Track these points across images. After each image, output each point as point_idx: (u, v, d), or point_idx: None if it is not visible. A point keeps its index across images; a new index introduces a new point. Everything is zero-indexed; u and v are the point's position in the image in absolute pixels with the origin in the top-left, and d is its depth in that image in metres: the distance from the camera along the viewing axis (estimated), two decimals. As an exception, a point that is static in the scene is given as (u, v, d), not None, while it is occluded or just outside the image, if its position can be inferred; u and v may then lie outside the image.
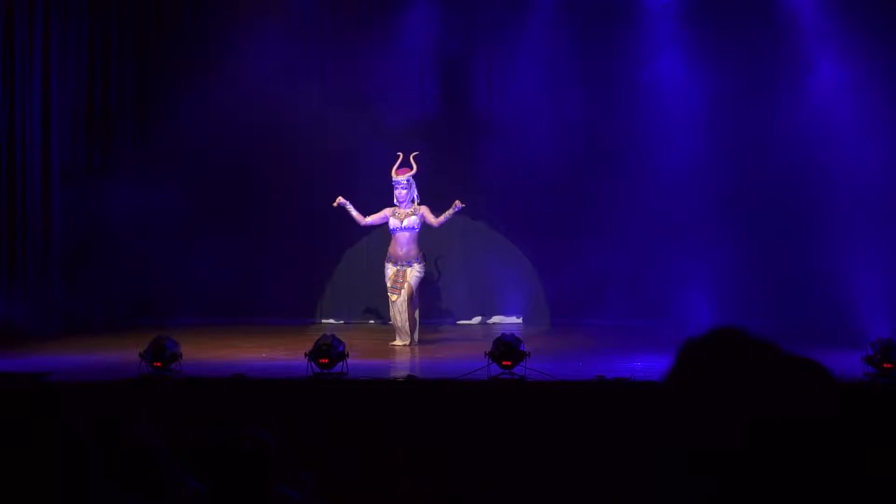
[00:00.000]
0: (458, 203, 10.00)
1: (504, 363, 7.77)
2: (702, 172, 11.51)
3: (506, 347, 7.83)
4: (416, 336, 10.16)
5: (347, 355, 8.05)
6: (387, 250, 10.29)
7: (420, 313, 10.41)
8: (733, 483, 1.28)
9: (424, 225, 10.24)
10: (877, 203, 11.19)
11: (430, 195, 10.37)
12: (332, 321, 12.17)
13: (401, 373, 8.18)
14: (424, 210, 10.15)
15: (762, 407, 1.31)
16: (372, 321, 11.97)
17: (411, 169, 10.19)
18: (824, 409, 1.31)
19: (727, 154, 11.66)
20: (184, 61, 11.96)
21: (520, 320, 12.17)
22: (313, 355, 7.94)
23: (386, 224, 10.27)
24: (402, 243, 10.09)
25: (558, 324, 11.92)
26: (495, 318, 12.25)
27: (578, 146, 12.13)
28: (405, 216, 10.10)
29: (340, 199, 10.19)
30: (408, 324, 10.04)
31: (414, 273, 10.10)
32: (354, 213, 10.20)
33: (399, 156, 10.29)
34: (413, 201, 10.18)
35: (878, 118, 11.20)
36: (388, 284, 10.14)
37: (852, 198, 11.17)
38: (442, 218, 10.12)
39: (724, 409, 1.32)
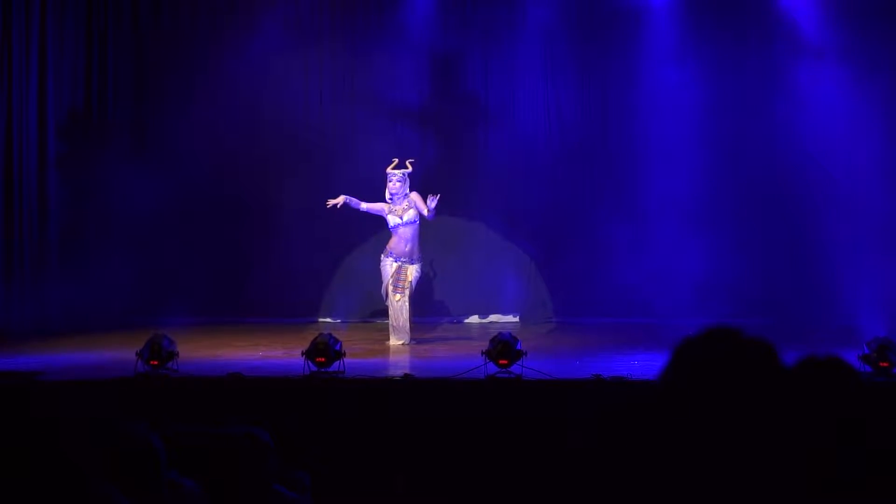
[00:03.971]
0: (432, 198, 9.90)
1: (501, 362, 7.76)
2: (701, 172, 11.51)
3: (503, 346, 7.83)
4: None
5: (344, 354, 8.04)
6: (385, 246, 10.21)
7: (416, 312, 10.38)
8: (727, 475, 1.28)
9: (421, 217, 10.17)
10: (874, 203, 11.21)
11: (427, 191, 10.29)
12: (329, 320, 12.16)
13: (398, 372, 8.18)
14: (416, 197, 10.04)
15: (755, 404, 1.31)
16: (369, 320, 11.96)
17: (407, 169, 10.15)
18: (831, 407, 1.31)
19: (727, 154, 11.68)
20: (181, 58, 11.96)
21: (517, 319, 12.17)
22: (310, 354, 7.93)
23: (384, 223, 10.20)
24: (407, 238, 10.02)
25: (555, 322, 11.93)
26: (492, 317, 12.25)
27: (577, 146, 12.15)
28: (403, 211, 10.02)
29: (342, 199, 10.06)
30: (408, 323, 10.01)
31: (414, 272, 10.06)
32: (353, 202, 10.11)
33: (394, 161, 10.22)
34: (406, 195, 10.08)
35: (877, 119, 11.22)
36: (390, 282, 10.05)
37: (850, 198, 11.19)
38: (430, 212, 9.99)
39: (719, 406, 1.31)
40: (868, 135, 11.25)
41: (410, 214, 10.01)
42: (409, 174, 10.14)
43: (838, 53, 11.27)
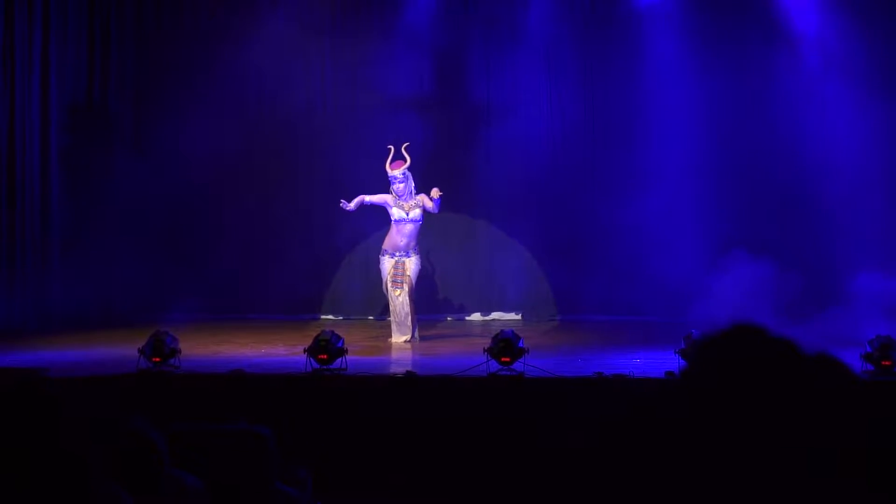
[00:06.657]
0: (435, 192, 9.91)
1: (503, 360, 7.76)
2: (704, 171, 11.52)
3: (505, 344, 7.82)
4: (416, 331, 10.10)
5: (346, 351, 8.04)
6: (382, 243, 10.20)
7: (418, 309, 10.34)
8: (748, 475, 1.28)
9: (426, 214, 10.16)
10: (875, 200, 11.20)
11: (429, 186, 10.29)
12: (331, 317, 12.16)
13: (400, 369, 8.18)
14: (424, 198, 10.05)
15: (780, 403, 1.30)
16: (371, 317, 11.97)
17: (405, 161, 10.11)
18: (842, 406, 1.31)
19: (730, 154, 11.67)
20: (183, 55, 11.97)
21: (519, 317, 12.17)
22: (312, 351, 7.93)
23: (387, 216, 10.17)
24: (407, 234, 10.00)
25: (558, 320, 11.93)
26: (494, 315, 12.24)
27: (579, 143, 12.14)
28: (410, 208, 9.99)
29: (348, 206, 10.01)
30: (410, 318, 9.99)
31: (413, 265, 10.03)
32: (355, 200, 10.07)
33: (390, 150, 10.22)
34: (412, 193, 10.08)
35: (876, 117, 11.21)
36: (389, 278, 10.03)
37: (851, 195, 11.18)
38: (433, 204, 9.98)
39: (742, 405, 1.31)
40: (871, 133, 11.23)
41: (417, 213, 9.98)
42: (410, 168, 10.10)
43: (838, 54, 11.26)
